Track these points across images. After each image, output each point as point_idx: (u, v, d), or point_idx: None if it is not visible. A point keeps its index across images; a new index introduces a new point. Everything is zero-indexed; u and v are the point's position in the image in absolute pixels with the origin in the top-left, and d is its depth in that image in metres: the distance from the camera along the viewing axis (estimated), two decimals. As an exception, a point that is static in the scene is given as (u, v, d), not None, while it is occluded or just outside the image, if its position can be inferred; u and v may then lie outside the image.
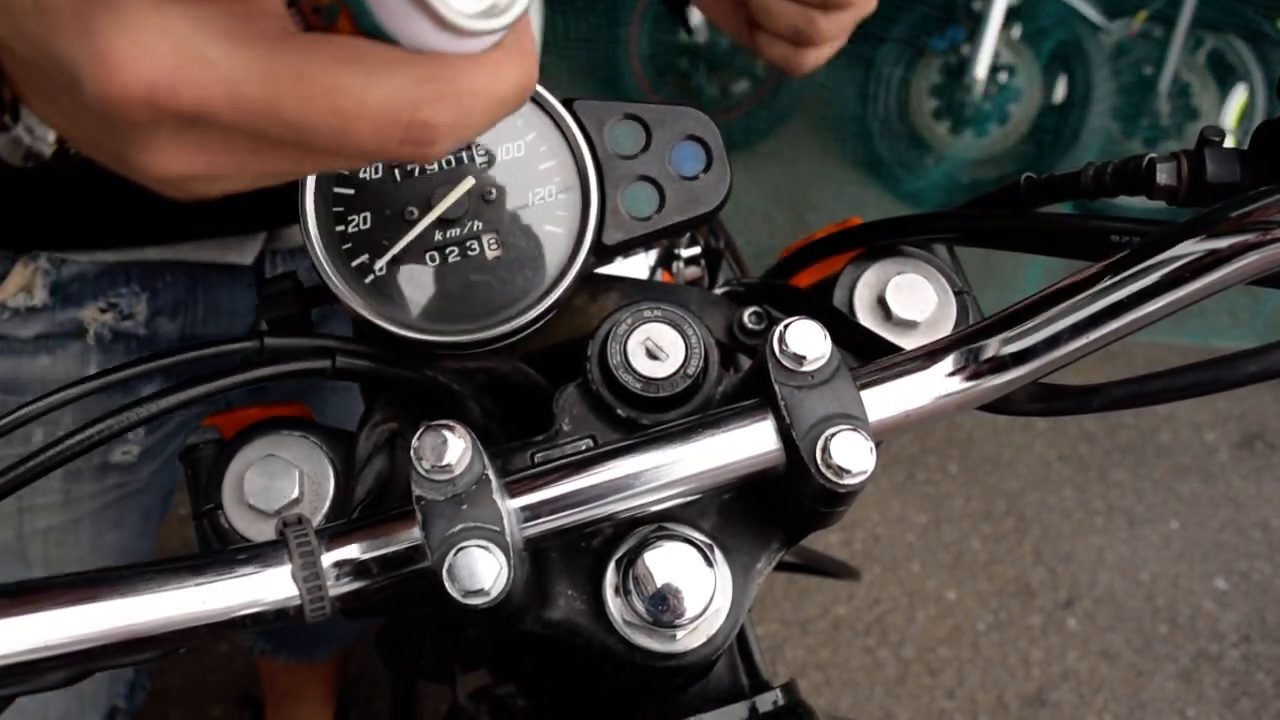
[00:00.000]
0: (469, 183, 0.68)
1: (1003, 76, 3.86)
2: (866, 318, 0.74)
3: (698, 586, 0.58)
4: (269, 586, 0.53)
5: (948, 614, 2.89)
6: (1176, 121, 3.91)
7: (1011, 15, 3.72)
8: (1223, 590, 3.03)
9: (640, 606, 0.58)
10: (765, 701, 0.70)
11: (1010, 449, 3.30)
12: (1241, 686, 2.84)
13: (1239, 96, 3.90)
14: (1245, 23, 3.73)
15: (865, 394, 0.58)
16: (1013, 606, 2.92)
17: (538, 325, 0.69)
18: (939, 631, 2.85)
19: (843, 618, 2.85)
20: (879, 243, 0.76)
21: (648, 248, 0.76)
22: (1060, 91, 3.87)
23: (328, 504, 0.67)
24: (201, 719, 2.51)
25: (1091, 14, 3.73)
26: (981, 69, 3.70)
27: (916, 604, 2.90)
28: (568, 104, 0.69)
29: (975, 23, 3.69)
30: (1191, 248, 0.56)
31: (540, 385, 0.74)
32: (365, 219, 0.67)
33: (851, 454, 0.54)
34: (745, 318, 0.76)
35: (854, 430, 0.55)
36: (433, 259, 0.67)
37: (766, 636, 2.77)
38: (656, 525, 0.61)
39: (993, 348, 0.59)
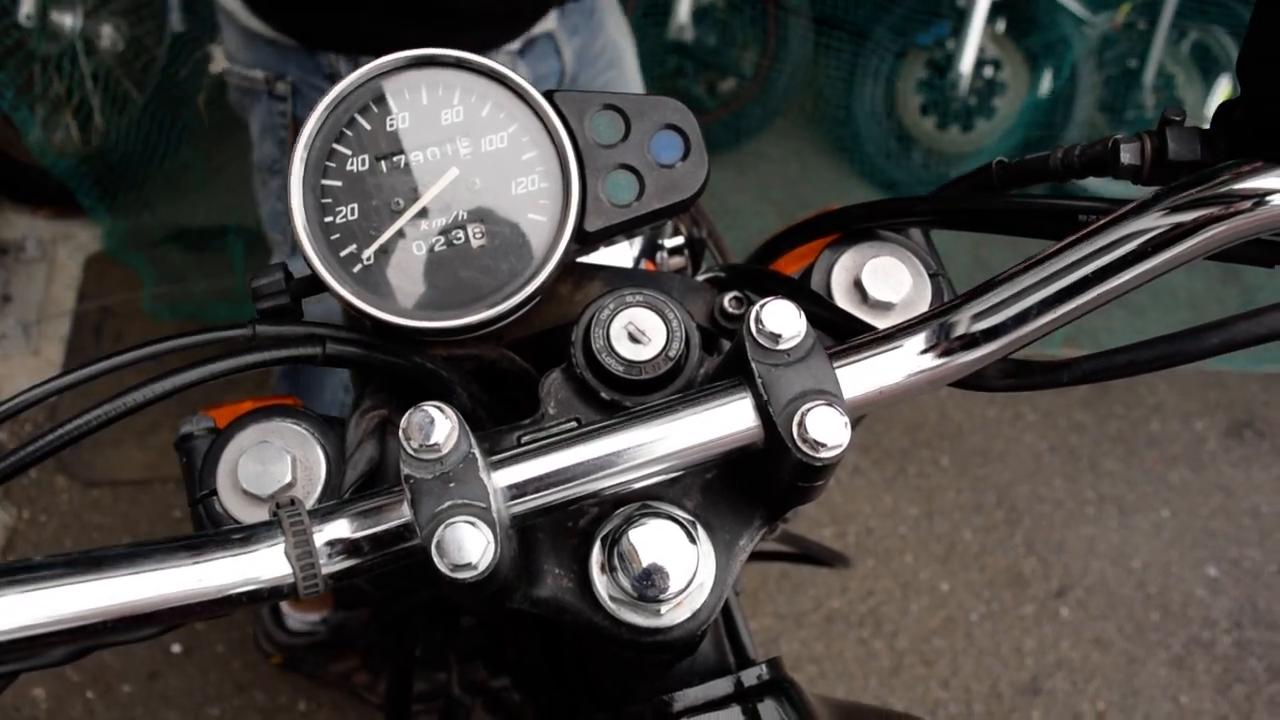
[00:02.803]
0: (453, 173, 0.69)
1: (988, 71, 3.88)
2: (844, 300, 0.75)
3: (681, 563, 0.59)
4: (264, 565, 0.54)
5: (941, 605, 2.91)
6: (1161, 113, 3.92)
7: (996, 10, 3.74)
8: (1214, 577, 3.05)
9: (626, 583, 0.60)
10: (750, 676, 0.71)
11: (1001, 441, 3.32)
12: (1234, 673, 2.86)
13: (1223, 87, 3.92)
14: (1228, 14, 3.76)
15: (840, 371, 0.60)
16: (1005, 597, 2.94)
17: (523, 311, 0.71)
18: (932, 622, 2.87)
19: (836, 610, 2.86)
20: (855, 227, 0.78)
21: (630, 236, 0.77)
22: (1045, 85, 3.89)
23: (320, 488, 0.69)
24: (200, 720, 2.52)
25: (1075, 7, 3.76)
26: (967, 64, 3.72)
27: (910, 595, 2.92)
28: (548, 95, 0.70)
29: (960, 18, 3.71)
30: (1155, 222, 0.58)
31: (526, 371, 0.75)
32: (353, 210, 0.69)
33: (827, 428, 0.56)
34: (726, 302, 0.78)
35: (829, 405, 0.56)
36: (419, 248, 0.69)
37: (761, 630, 2.79)
38: (641, 504, 0.63)
39: (963, 325, 0.61)
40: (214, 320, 3.13)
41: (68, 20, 3.11)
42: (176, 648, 2.61)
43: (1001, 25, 3.87)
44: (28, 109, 2.86)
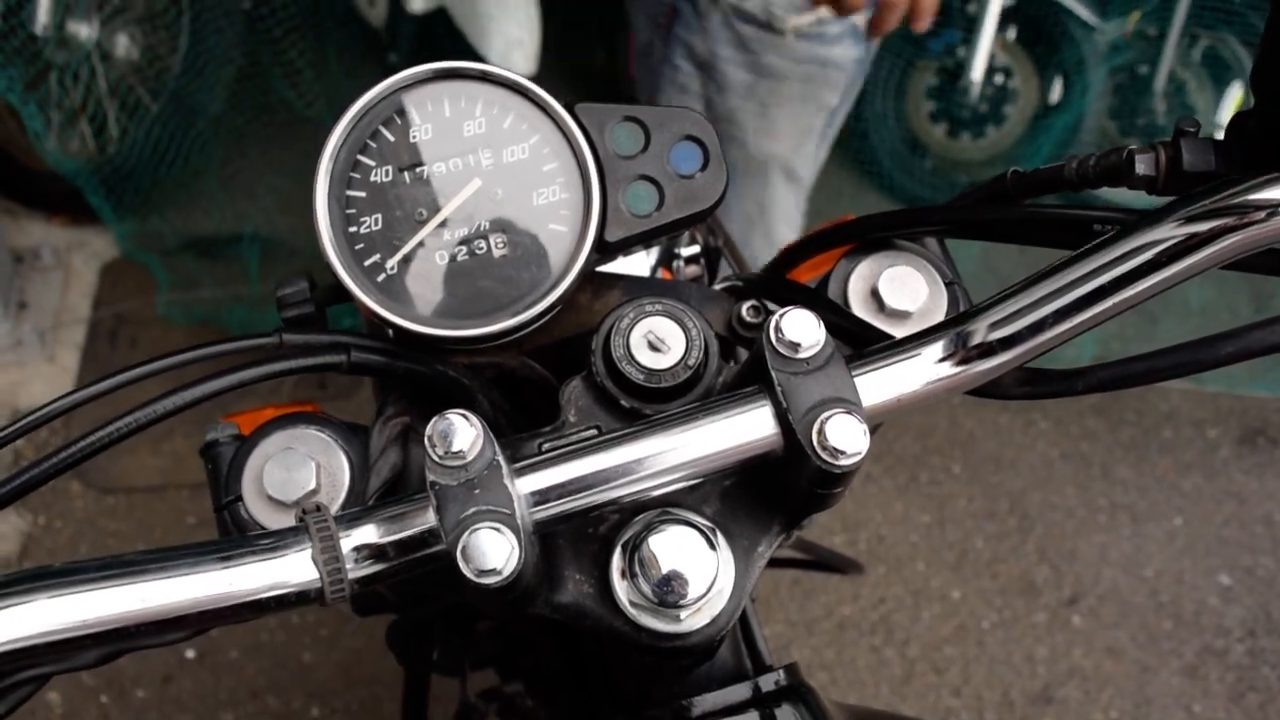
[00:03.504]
0: (476, 184, 0.70)
1: (998, 78, 3.88)
2: (861, 309, 0.76)
3: (701, 569, 0.60)
4: (291, 570, 0.55)
5: (952, 613, 2.90)
6: (1173, 120, 3.90)
7: (1006, 17, 3.74)
8: (1227, 586, 3.04)
9: (646, 588, 0.60)
10: (768, 682, 0.72)
11: (1013, 448, 3.32)
12: (1247, 681, 2.85)
13: (1235, 94, 3.91)
14: (1239, 21, 3.75)
15: (859, 379, 0.60)
16: (1017, 605, 2.93)
17: (543, 320, 0.71)
18: (944, 630, 2.87)
19: (848, 618, 2.87)
20: (872, 236, 0.78)
21: (648, 245, 0.78)
22: (1056, 92, 3.89)
23: (343, 495, 0.70)
24: (214, 726, 2.53)
25: (1086, 14, 3.76)
26: (977, 71, 3.72)
27: (921, 603, 2.91)
28: (569, 107, 0.71)
29: (970, 25, 3.71)
30: (1170, 232, 0.59)
31: (547, 379, 0.76)
32: (377, 220, 0.70)
33: (846, 436, 0.57)
34: (743, 311, 0.79)
35: (848, 413, 0.57)
36: (441, 258, 0.70)
37: (773, 636, 2.79)
38: (661, 510, 0.64)
39: (980, 334, 0.61)
40: (229, 325, 3.15)
41: (83, 30, 3.13)
42: (190, 653, 2.62)
43: (1012, 33, 3.87)
44: (35, 105, 2.88)
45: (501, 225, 0.71)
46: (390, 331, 0.70)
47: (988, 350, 0.61)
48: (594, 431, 0.66)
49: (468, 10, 3.10)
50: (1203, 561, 3.09)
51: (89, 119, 3.18)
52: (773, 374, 0.59)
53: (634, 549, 0.61)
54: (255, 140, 3.51)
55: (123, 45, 3.24)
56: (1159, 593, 3.01)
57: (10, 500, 0.62)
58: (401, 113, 0.71)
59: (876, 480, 3.10)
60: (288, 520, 0.67)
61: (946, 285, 0.77)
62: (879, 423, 0.63)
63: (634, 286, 0.79)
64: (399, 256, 0.70)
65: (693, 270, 1.11)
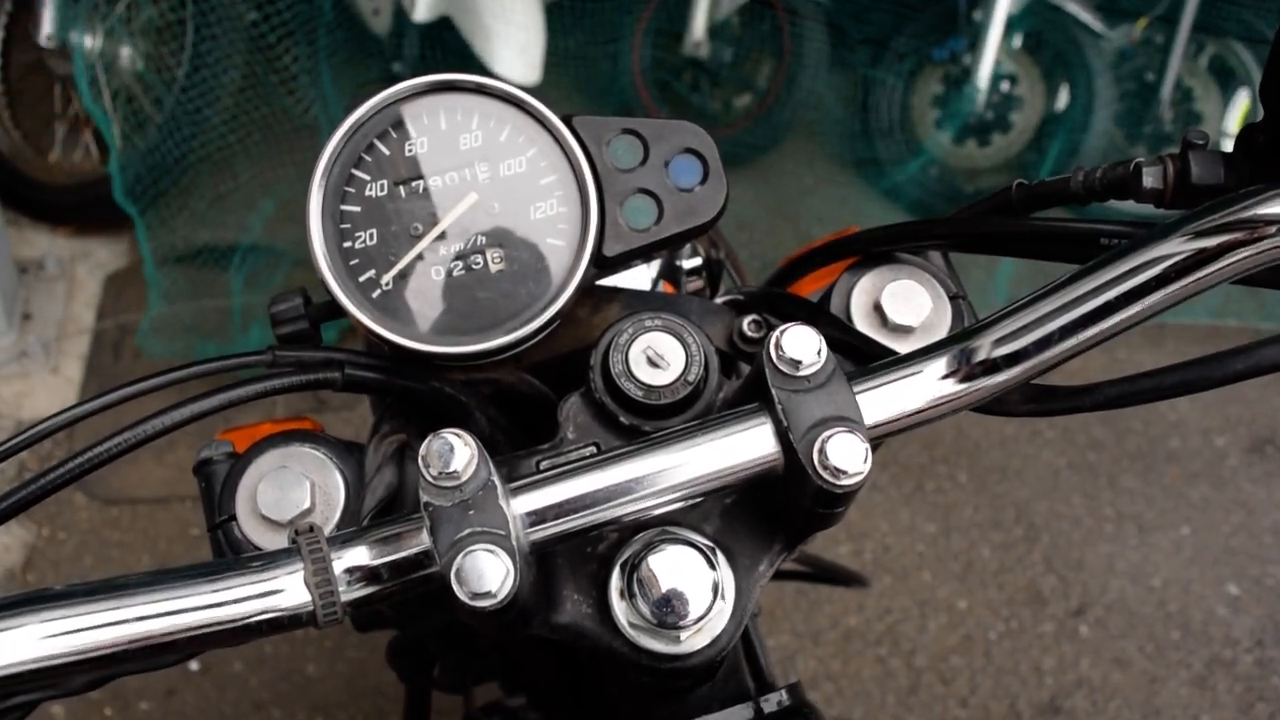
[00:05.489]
0: (472, 198, 0.70)
1: (1004, 85, 3.87)
2: (863, 323, 0.75)
3: (701, 589, 0.59)
4: (283, 593, 0.54)
5: (959, 623, 2.89)
6: (1180, 127, 3.91)
7: (1012, 24, 3.73)
8: (1235, 595, 3.02)
9: (645, 609, 0.60)
10: (770, 702, 0.71)
11: (1019, 457, 3.30)
12: (1256, 691, 2.83)
13: (1242, 101, 3.90)
14: (1246, 27, 3.74)
15: (861, 397, 0.59)
16: (1024, 615, 2.92)
17: (541, 336, 0.71)
18: (950, 640, 2.85)
19: (854, 628, 2.85)
20: (875, 250, 0.77)
21: (648, 259, 0.77)
22: (1062, 99, 3.87)
23: (338, 514, 0.69)
24: (217, 738, 2.52)
25: (1092, 21, 3.75)
26: (983, 79, 3.71)
27: (927, 613, 2.90)
28: (567, 120, 0.70)
29: (976, 32, 3.71)
30: (1179, 247, 0.57)
31: (545, 395, 0.75)
32: (371, 235, 0.69)
33: (847, 455, 0.56)
34: (745, 326, 0.78)
35: (850, 432, 0.56)
36: (438, 273, 0.69)
37: (778, 648, 2.78)
38: (660, 530, 0.63)
39: (985, 350, 0.60)
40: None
41: (87, 41, 3.14)
42: (194, 665, 2.61)
43: (1018, 40, 3.86)
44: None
45: (499, 239, 0.70)
46: (386, 348, 0.69)
47: (992, 367, 0.60)
48: (592, 449, 0.65)
49: (472, 19, 3.10)
50: (1211, 571, 3.07)
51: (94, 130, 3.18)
52: (773, 391, 0.58)
53: (633, 569, 0.60)
54: (255, 150, 3.51)
55: (126, 56, 3.24)
56: (1167, 603, 2.99)
57: (15, 513, 0.61)
58: (397, 126, 0.70)
59: (882, 489, 3.08)
60: (282, 540, 0.67)
61: (951, 299, 0.76)
62: (881, 441, 0.62)
63: (634, 300, 0.78)
64: (394, 272, 0.69)
65: (695, 283, 1.10)
